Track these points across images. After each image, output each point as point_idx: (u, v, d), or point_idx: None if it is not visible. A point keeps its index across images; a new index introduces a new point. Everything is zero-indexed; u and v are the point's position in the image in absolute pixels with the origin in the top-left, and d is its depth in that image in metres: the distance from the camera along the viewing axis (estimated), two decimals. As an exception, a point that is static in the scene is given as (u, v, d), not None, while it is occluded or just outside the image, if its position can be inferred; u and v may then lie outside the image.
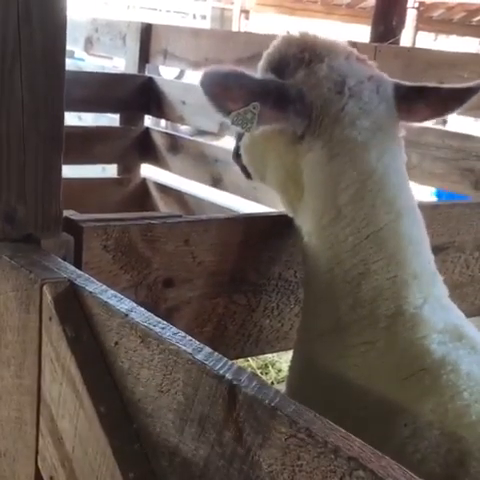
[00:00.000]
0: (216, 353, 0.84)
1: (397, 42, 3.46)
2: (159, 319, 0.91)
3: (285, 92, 1.24)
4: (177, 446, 0.86)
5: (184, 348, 0.84)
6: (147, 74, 4.15)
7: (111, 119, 4.19)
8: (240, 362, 3.53)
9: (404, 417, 1.12)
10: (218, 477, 0.80)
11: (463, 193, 3.05)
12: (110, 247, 1.22)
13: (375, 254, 1.21)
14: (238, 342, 1.44)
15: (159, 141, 4.01)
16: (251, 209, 3.42)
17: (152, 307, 1.29)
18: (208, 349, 0.84)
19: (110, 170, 4.20)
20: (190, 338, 0.87)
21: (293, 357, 1.34)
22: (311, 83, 1.26)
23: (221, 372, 0.80)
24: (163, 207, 4.01)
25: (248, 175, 1.46)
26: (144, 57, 4.07)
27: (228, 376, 0.79)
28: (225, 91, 1.21)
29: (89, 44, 4.39)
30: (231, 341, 1.42)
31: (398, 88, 1.30)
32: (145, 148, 4.06)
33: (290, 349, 1.41)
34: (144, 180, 4.09)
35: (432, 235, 1.52)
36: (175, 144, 3.93)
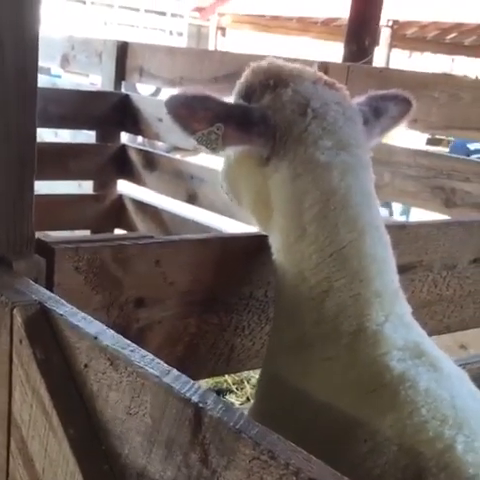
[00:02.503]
0: (183, 376, 0.85)
1: (370, 61, 3.52)
2: (128, 342, 0.93)
3: (249, 114, 1.30)
4: (145, 467, 0.87)
5: (152, 371, 0.86)
6: (123, 91, 4.17)
7: (88, 136, 4.20)
8: (216, 378, 3.54)
9: (364, 432, 1.14)
10: (185, 498, 0.82)
11: (434, 211, 3.11)
12: (82, 268, 1.24)
13: (338, 272, 1.23)
14: (210, 361, 1.45)
15: (135, 158, 4.03)
16: (226, 225, 3.45)
17: (124, 327, 1.31)
18: (175, 372, 0.86)
19: (86, 186, 4.20)
20: (158, 361, 0.88)
21: (261, 372, 1.37)
22: (275, 106, 1.31)
23: (188, 395, 0.81)
24: (140, 223, 4.02)
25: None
26: (120, 74, 4.10)
27: (194, 399, 0.81)
28: (190, 112, 1.26)
29: (65, 61, 4.41)
30: (203, 360, 1.44)
31: (362, 112, 1.36)
32: (121, 164, 4.07)
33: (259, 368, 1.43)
34: (120, 196, 4.11)
35: (400, 254, 1.56)
36: (151, 161, 3.95)
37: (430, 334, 1.76)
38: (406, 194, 3.11)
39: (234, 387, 3.59)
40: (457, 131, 2.93)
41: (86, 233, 4.13)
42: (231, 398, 3.52)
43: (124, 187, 4.19)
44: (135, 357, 0.89)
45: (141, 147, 4.10)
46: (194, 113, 1.25)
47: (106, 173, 4.07)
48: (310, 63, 3.36)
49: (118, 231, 4.17)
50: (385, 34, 10.55)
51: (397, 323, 1.24)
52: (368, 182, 1.32)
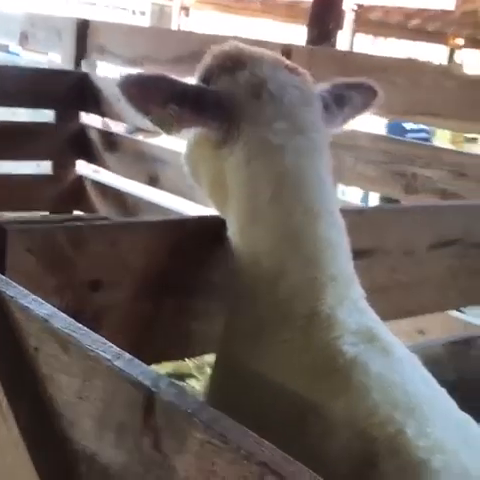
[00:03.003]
0: (135, 360, 0.84)
1: (333, 45, 3.52)
2: (80, 325, 0.91)
3: (203, 96, 1.29)
4: (96, 452, 0.86)
5: (103, 355, 0.84)
6: (84, 70, 4.10)
7: (47, 115, 4.13)
8: (177, 363, 3.52)
9: (315, 416, 1.14)
10: (136, 483, 0.81)
11: (394, 195, 3.13)
12: (34, 250, 1.21)
13: (292, 255, 1.23)
14: (166, 346, 1.44)
15: (95, 138, 3.97)
16: (188, 208, 3.42)
17: (78, 310, 1.28)
18: (127, 356, 0.85)
19: (45, 167, 4.13)
20: (110, 345, 0.87)
21: (217, 355, 1.36)
22: (231, 88, 1.30)
23: (139, 379, 0.80)
24: (99, 205, 3.97)
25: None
26: (80, 53, 4.02)
27: (146, 383, 0.79)
28: (143, 93, 1.24)
29: (24, 39, 4.32)
30: (159, 344, 1.42)
31: (323, 98, 1.36)
32: (81, 145, 4.01)
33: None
34: (80, 177, 4.05)
35: (357, 239, 1.56)
36: (112, 141, 3.90)
37: (387, 319, 1.78)
38: (367, 179, 3.13)
39: (195, 371, 3.58)
40: (418, 117, 2.94)
41: (45, 214, 4.08)
42: (192, 383, 3.51)
43: (84, 168, 4.13)
44: (86, 341, 0.87)
45: (101, 127, 4.04)
46: (148, 94, 1.24)
47: (65, 154, 4.01)
48: (273, 45, 3.35)
49: (77, 213, 4.12)
50: (349, 18, 10.56)
51: (351, 307, 1.24)
52: (323, 167, 1.32)
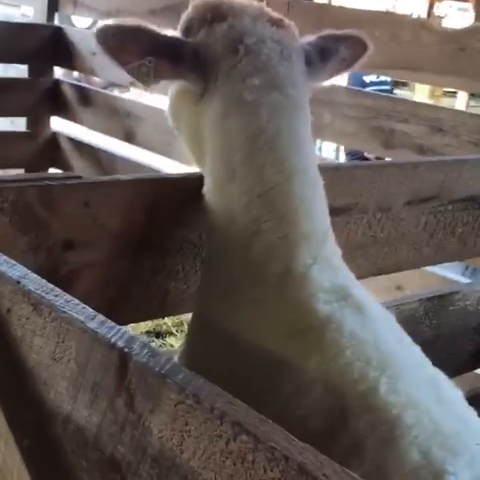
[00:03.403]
0: (109, 321, 0.83)
1: (310, -2, 3.46)
2: (52, 286, 0.90)
3: (180, 49, 1.26)
4: (71, 413, 0.86)
5: (76, 316, 0.83)
6: (57, 23, 4.01)
7: (20, 70, 4.04)
8: (156, 321, 3.53)
9: (289, 374, 1.14)
10: (111, 443, 0.81)
11: (373, 152, 3.13)
12: (6, 209, 1.19)
13: (266, 214, 1.22)
14: (143, 305, 1.43)
15: (69, 94, 3.91)
16: (165, 165, 3.39)
17: (52, 271, 1.27)
18: (101, 317, 0.84)
19: (19, 123, 4.07)
20: (83, 306, 0.86)
21: (192, 315, 1.36)
22: (208, 41, 1.27)
23: (113, 340, 0.80)
24: (75, 162, 3.93)
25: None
26: (53, 6, 3.93)
27: (119, 344, 0.79)
28: (120, 43, 1.22)
29: (-5, -10, 4.20)
30: (135, 304, 1.42)
31: (306, 52, 1.33)
32: (55, 101, 3.95)
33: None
34: (55, 134, 3.99)
35: (334, 197, 1.55)
36: (86, 97, 3.84)
37: (364, 276, 1.79)
38: (345, 135, 3.11)
39: (174, 329, 3.60)
40: (397, 71, 2.92)
41: (20, 172, 4.02)
42: (171, 340, 3.53)
43: (59, 125, 4.06)
44: (59, 302, 0.86)
45: (75, 82, 3.96)
46: (125, 44, 1.22)
47: (39, 110, 3.95)
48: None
49: (53, 170, 4.07)
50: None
51: (325, 266, 1.23)
52: (300, 124, 1.29)
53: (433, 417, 1.12)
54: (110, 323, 0.83)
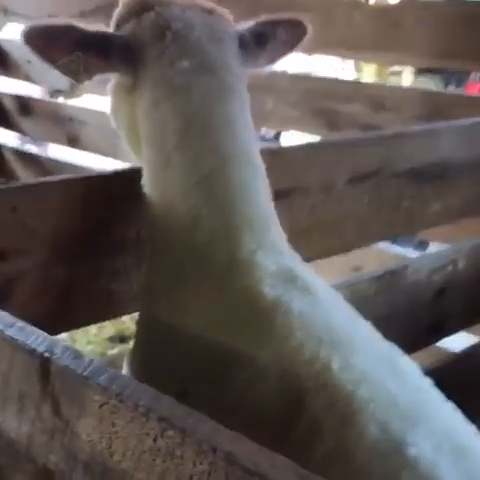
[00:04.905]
0: (29, 327, 0.80)
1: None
2: (-30, 297, 0.86)
3: (108, 41, 1.26)
4: (1, 425, 0.82)
5: (-6, 325, 0.80)
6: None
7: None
8: (118, 325, 3.48)
9: (242, 362, 1.12)
10: (42, 452, 0.78)
11: (317, 134, 3.12)
12: None
13: (205, 200, 1.20)
14: (86, 309, 1.40)
15: (8, 103, 3.84)
16: (112, 166, 3.34)
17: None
18: (20, 324, 0.81)
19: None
20: (3, 314, 0.83)
21: (139, 313, 1.33)
22: (136, 31, 1.27)
23: (33, 346, 0.76)
24: (20, 172, 3.86)
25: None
26: (-16, 16, 3.84)
27: (40, 349, 0.76)
28: (47, 41, 1.22)
29: None
30: (78, 309, 1.38)
31: (240, 37, 1.31)
32: (-5, 112, 3.87)
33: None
34: (-2, 146, 3.91)
35: (274, 180, 1.53)
36: (25, 105, 3.77)
37: (311, 259, 1.77)
38: (289, 120, 3.10)
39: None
40: (332, 50, 2.91)
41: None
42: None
43: (2, 136, 3.98)
44: (-23, 312, 0.83)
45: (12, 92, 3.88)
46: (52, 42, 1.23)
47: (-21, 122, 3.86)
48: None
49: None
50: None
51: (270, 250, 1.21)
52: (235, 107, 1.27)
53: (389, 390, 1.11)
54: (30, 329, 0.80)
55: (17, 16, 3.70)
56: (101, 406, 0.70)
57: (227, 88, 1.27)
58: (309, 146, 1.69)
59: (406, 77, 7.59)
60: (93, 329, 3.45)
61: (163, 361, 1.20)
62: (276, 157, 1.61)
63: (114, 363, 1.53)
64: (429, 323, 2.06)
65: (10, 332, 0.79)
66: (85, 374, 0.72)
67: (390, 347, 1.24)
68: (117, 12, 1.34)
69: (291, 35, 1.38)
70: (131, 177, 1.30)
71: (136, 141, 1.30)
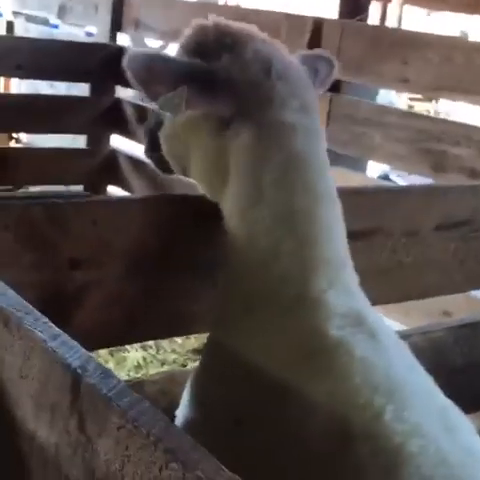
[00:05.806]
0: (71, 341, 0.84)
1: (365, 18, 3.43)
2: (26, 304, 0.91)
3: (212, 75, 1.24)
4: (35, 432, 0.87)
5: (39, 334, 0.84)
6: (120, 44, 4.11)
7: (83, 88, 4.16)
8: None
9: (297, 397, 1.13)
10: (66, 465, 0.81)
11: (422, 174, 3.06)
12: (11, 226, 1.22)
13: (288, 237, 1.21)
14: (151, 325, 1.44)
15: (129, 112, 3.99)
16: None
17: (58, 288, 1.30)
18: (65, 337, 0.85)
19: (81, 141, 4.18)
20: (51, 325, 0.87)
21: (207, 337, 1.35)
22: (238, 67, 1.25)
23: (69, 360, 0.80)
24: (133, 180, 4.00)
25: (164, 169, 1.46)
26: (116, 26, 4.04)
27: (74, 364, 0.79)
28: (152, 75, 1.20)
29: (62, 12, 4.35)
30: (143, 323, 1.43)
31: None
32: (115, 119, 4.04)
33: (206, 332, 1.42)
34: (113, 151, 4.07)
35: (357, 220, 1.53)
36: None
37: (389, 302, 1.75)
38: (395, 157, 3.07)
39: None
40: (448, 93, 2.86)
41: (79, 188, 4.13)
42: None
43: (118, 142, 4.16)
44: (28, 319, 0.87)
45: (135, 101, 4.04)
46: (156, 76, 1.20)
47: (99, 127, 4.04)
48: (305, 19, 3.28)
49: (111, 188, 4.15)
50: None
51: (341, 291, 1.22)
52: (324, 147, 1.30)
53: (440, 447, 1.09)
54: (72, 343, 0.84)
55: (148, 29, 3.85)
56: (119, 428, 0.73)
57: (318, 128, 1.30)
58: (395, 189, 1.67)
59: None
60: (179, 338, 3.50)
61: (222, 388, 1.22)
62: (361, 198, 1.61)
63: (175, 380, 1.56)
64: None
65: (53, 344, 0.83)
66: (109, 394, 0.75)
67: (447, 402, 1.21)
68: (191, 38, 1.31)
69: (325, 71, 1.40)
70: (215, 205, 1.32)
71: (216, 176, 1.30)
